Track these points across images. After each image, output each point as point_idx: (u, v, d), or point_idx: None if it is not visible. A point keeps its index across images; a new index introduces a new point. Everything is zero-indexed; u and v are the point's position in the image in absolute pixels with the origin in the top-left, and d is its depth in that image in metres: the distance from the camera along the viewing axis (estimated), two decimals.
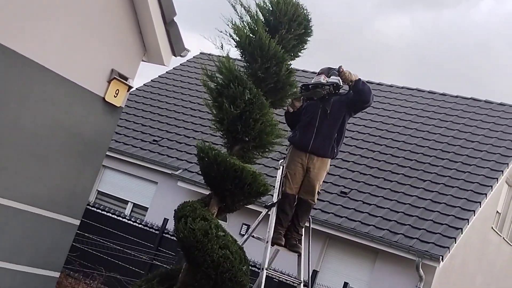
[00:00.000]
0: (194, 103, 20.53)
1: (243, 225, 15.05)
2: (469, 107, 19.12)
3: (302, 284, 6.93)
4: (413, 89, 20.61)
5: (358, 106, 7.12)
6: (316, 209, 14.51)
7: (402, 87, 20.79)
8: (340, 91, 6.97)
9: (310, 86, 6.98)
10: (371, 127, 18.42)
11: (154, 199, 17.47)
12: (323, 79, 6.94)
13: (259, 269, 6.88)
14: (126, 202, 18.20)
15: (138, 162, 17.90)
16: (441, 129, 18.05)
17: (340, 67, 6.98)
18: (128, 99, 20.72)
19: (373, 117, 18.94)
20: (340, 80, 6.91)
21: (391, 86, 20.93)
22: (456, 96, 19.87)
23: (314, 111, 7.01)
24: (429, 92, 20.31)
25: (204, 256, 6.14)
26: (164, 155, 17.86)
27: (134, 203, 18.11)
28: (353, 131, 18.07)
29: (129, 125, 19.52)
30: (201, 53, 23.93)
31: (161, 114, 20.22)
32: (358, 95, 6.96)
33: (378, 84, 20.99)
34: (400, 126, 18.37)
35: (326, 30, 50.14)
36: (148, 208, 17.47)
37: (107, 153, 17.64)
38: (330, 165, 16.56)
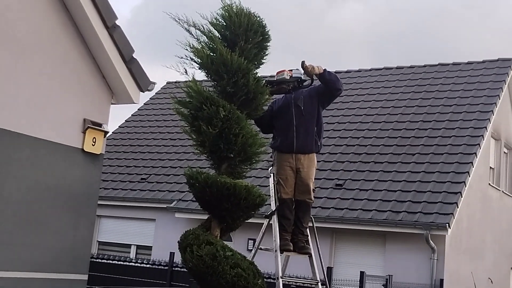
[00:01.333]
0: (172, 133, 20.52)
1: (249, 240, 15.01)
2: (438, 73, 19.31)
3: (319, 284, 6.92)
4: (381, 69, 20.78)
5: (330, 95, 7.22)
6: (315, 207, 14.54)
7: (370, 69, 20.96)
8: (303, 84, 7.09)
9: (274, 83, 7.07)
10: (350, 115, 18.52)
11: (155, 236, 17.40)
12: (286, 74, 7.08)
13: (274, 279, 6.86)
14: (129, 246, 18.12)
15: (131, 204, 17.85)
16: (417, 100, 18.20)
17: (303, 62, 7.09)
18: (107, 144, 20.69)
19: (349, 105, 19.05)
20: (303, 74, 7.05)
21: (359, 71, 21.09)
22: (424, 66, 20.06)
23: (288, 112, 7.08)
24: (397, 68, 20.49)
25: (218, 280, 6.12)
26: (155, 191, 17.82)
27: (137, 245, 18.04)
28: (333, 123, 18.17)
29: (114, 170, 19.46)
30: (167, 82, 24.00)
31: (142, 151, 20.19)
32: (328, 85, 7.10)
33: (346, 72, 21.13)
34: (377, 107, 18.50)
35: (286, 33, 50.40)
36: (152, 246, 17.39)
37: (100, 202, 17.49)
38: (319, 161, 16.67)
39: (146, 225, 17.91)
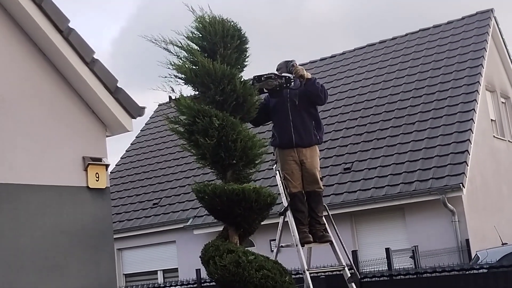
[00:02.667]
0: (174, 152, 20.57)
1: (271, 242, 15.05)
2: (421, 39, 19.33)
3: (346, 268, 6.96)
4: (364, 47, 20.81)
5: (312, 101, 7.18)
6: (329, 195, 14.59)
7: (354, 49, 20.99)
8: (291, 85, 7.04)
9: (262, 77, 7.03)
10: (343, 98, 18.56)
11: (179, 257, 17.46)
12: (278, 73, 7.10)
13: (302, 274, 6.89)
14: (155, 272, 18.18)
15: (149, 231, 17.92)
16: (406, 70, 18.24)
17: (293, 61, 7.12)
18: (113, 178, 20.83)
19: (341, 88, 19.10)
20: (292, 76, 7.04)
21: (343, 53, 21.12)
22: (405, 35, 20.09)
23: (284, 108, 7.11)
24: (380, 42, 20.52)
25: (246, 285, 6.15)
26: (169, 213, 17.89)
27: (163, 270, 18.10)
28: (329, 109, 18.21)
29: (125, 201, 19.53)
30: (159, 105, 24.00)
31: (148, 177, 20.26)
32: (309, 94, 7.09)
33: (331, 57, 21.18)
34: (368, 85, 18.54)
35: (267, 32, 50.36)
36: (177, 268, 17.44)
37: (118, 235, 17.74)
38: (322, 149, 16.54)
39: (168, 248, 17.97)
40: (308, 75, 7.09)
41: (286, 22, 53.19)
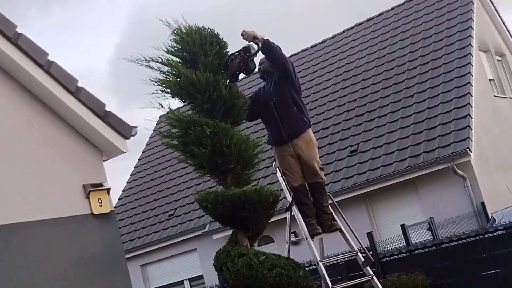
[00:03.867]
0: (180, 162, 20.64)
1: (290, 235, 15.04)
2: (408, 11, 19.26)
3: (359, 253, 6.98)
4: (352, 27, 20.76)
5: (279, 70, 6.98)
6: (339, 180, 14.62)
7: (343, 31, 20.94)
8: (252, 53, 6.90)
9: (226, 64, 6.98)
10: (339, 82, 18.54)
11: (202, 263, 17.54)
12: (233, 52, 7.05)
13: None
14: (181, 282, 18.31)
15: (168, 243, 18.03)
16: (397, 44, 18.20)
17: (242, 31, 7.02)
18: (125, 196, 20.89)
19: (336, 72, 19.08)
20: (248, 44, 6.94)
21: (333, 37, 21.08)
22: (392, 8, 20.01)
23: (267, 107, 7.08)
24: (367, 20, 20.45)
25: (261, 286, 6.20)
26: (186, 222, 17.99)
27: (188, 279, 18.21)
28: (327, 95, 18.24)
29: (141, 217, 19.66)
30: (160, 117, 24.08)
31: (160, 190, 20.37)
32: (270, 54, 6.90)
33: (321, 42, 21.15)
34: (362, 65, 18.50)
35: (257, 27, 50.04)
36: (202, 275, 17.54)
37: (139, 252, 17.88)
38: (325, 136, 16.44)
39: (190, 257, 18.07)
40: (263, 36, 6.87)
41: (276, 14, 53.05)
